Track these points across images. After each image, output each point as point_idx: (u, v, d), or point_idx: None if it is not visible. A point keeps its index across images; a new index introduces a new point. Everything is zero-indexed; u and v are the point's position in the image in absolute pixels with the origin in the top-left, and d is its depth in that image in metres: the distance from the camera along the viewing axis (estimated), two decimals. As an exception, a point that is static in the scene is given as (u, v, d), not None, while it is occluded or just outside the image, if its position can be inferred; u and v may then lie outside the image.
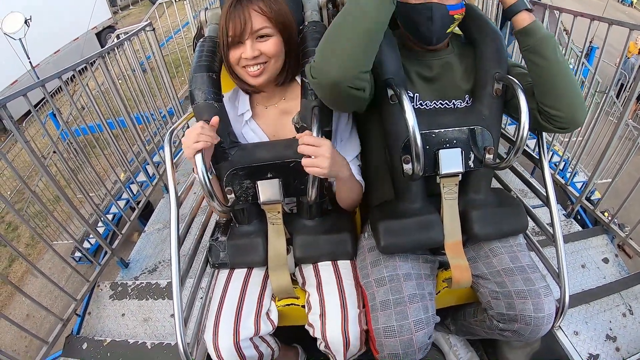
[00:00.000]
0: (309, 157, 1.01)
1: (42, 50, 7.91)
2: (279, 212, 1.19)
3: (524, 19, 1.03)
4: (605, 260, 2.13)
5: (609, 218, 2.28)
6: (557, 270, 1.17)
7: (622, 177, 2.45)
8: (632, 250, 2.12)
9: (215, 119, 1.08)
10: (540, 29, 1.02)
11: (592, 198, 2.92)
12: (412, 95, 1.12)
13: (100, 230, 2.97)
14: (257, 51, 1.08)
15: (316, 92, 1.04)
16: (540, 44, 1.02)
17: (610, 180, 2.44)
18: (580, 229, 2.39)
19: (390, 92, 1.05)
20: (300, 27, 1.24)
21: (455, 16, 1.08)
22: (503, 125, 1.18)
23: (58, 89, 2.30)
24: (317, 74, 0.97)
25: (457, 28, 1.23)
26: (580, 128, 2.66)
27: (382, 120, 1.12)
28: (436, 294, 1.19)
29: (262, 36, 1.08)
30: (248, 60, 1.08)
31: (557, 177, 2.71)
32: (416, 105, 1.13)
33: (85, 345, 1.76)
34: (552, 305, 1.07)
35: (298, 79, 1.21)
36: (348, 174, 1.13)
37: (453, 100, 1.15)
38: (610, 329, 1.80)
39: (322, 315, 1.11)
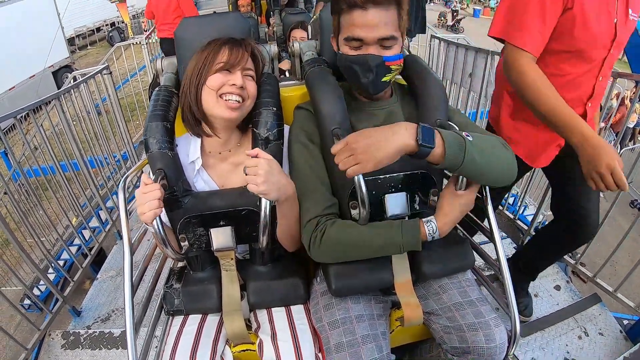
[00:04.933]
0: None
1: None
2: (232, 259, 1.19)
3: (434, 158, 0.96)
4: (557, 288, 2.21)
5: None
6: (506, 301, 1.19)
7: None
8: (584, 275, 2.23)
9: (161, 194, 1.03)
10: (453, 160, 0.95)
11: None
12: None
13: (51, 276, 2.81)
14: (244, 83, 1.13)
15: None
16: (462, 170, 0.99)
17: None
18: (531, 259, 2.48)
19: (336, 142, 1.06)
20: None
21: (392, 67, 1.08)
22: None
23: (11, 127, 2.24)
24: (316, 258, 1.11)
25: (401, 78, 1.30)
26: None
27: (329, 169, 1.14)
28: (390, 332, 1.21)
29: (249, 75, 1.16)
30: (235, 88, 1.11)
31: (506, 212, 2.81)
32: None
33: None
34: (504, 335, 1.10)
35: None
36: (291, 196, 1.08)
37: None
38: (568, 352, 1.86)
39: None
